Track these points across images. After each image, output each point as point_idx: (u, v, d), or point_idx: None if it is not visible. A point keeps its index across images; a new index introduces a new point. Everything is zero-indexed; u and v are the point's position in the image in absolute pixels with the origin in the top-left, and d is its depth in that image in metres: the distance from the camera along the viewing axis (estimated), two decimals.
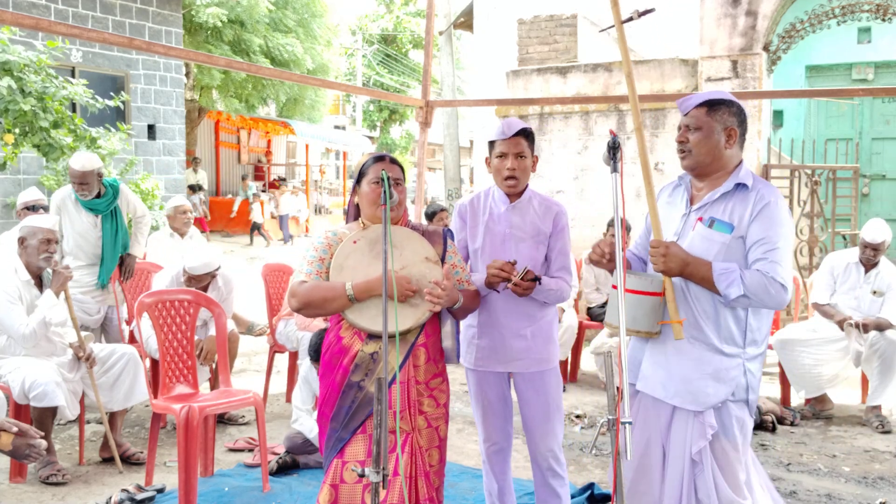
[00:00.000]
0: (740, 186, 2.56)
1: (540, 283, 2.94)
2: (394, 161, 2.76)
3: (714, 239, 2.53)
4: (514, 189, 3.05)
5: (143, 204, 5.43)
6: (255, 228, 17.30)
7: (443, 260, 2.78)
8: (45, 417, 3.98)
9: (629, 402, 2.76)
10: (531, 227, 3.06)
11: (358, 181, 2.75)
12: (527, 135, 3.03)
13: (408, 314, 2.60)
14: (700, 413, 2.54)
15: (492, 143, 3.08)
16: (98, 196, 5.06)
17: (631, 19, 2.81)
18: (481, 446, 3.23)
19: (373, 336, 2.62)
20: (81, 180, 4.94)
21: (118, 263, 5.26)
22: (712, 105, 2.57)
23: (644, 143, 2.72)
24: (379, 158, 2.75)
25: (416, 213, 5.97)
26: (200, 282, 4.79)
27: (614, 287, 2.58)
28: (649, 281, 2.56)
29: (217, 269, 4.84)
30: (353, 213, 2.83)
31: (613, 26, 2.80)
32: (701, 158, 2.58)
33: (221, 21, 14.19)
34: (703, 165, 2.59)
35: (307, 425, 4.20)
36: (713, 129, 2.55)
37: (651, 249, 2.53)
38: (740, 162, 2.62)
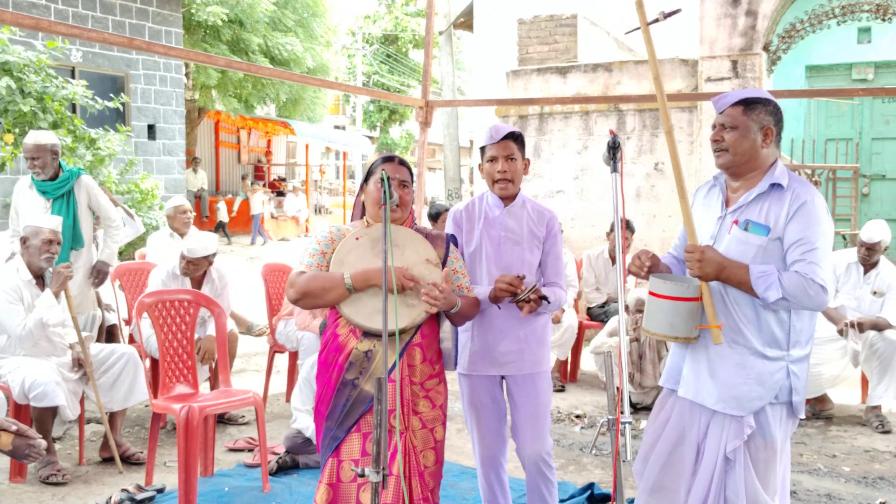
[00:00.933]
0: (775, 186, 2.51)
1: (548, 303, 2.94)
2: (402, 163, 2.78)
3: (750, 242, 2.49)
4: (507, 192, 3.07)
5: (115, 210, 5.13)
6: (220, 227, 16.69)
7: (444, 263, 2.78)
8: (46, 417, 3.98)
9: (662, 400, 2.75)
10: (526, 230, 3.08)
11: (366, 180, 2.77)
12: (515, 138, 3.05)
13: (403, 313, 2.59)
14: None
15: (482, 149, 3.10)
16: (54, 179, 4.84)
17: (657, 21, 2.75)
18: (475, 452, 3.22)
19: (368, 334, 2.62)
20: (33, 154, 4.72)
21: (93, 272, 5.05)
22: (748, 104, 2.53)
23: (675, 146, 2.66)
24: (388, 159, 2.77)
25: (416, 213, 5.97)
26: (198, 267, 4.84)
27: (651, 294, 2.56)
28: (686, 286, 2.53)
29: (213, 255, 4.91)
30: (359, 211, 2.85)
31: (639, 28, 2.74)
32: (737, 158, 2.54)
33: (221, 20, 14.16)
34: (738, 165, 2.55)
35: (303, 424, 4.20)
36: (749, 128, 2.51)
37: (686, 254, 2.51)
38: (775, 160, 2.57)
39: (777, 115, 2.56)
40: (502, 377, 3.15)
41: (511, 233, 3.07)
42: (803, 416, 2.60)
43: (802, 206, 2.44)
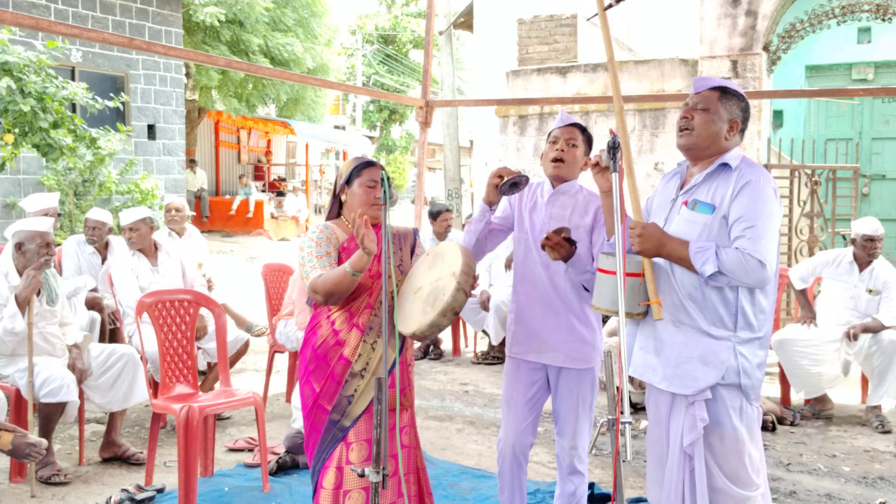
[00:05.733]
0: (724, 167, 2.55)
1: (575, 246, 2.87)
2: (381, 167, 2.95)
3: (696, 220, 2.51)
4: (558, 171, 3.04)
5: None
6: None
7: (412, 252, 3.00)
8: (54, 415, 3.97)
9: (647, 396, 2.75)
10: (569, 220, 3.02)
11: (348, 182, 2.91)
12: (583, 130, 3.07)
13: (418, 318, 2.65)
14: (691, 405, 2.51)
15: (549, 134, 3.13)
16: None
17: (611, 6, 2.89)
18: (499, 444, 3.19)
19: (371, 327, 2.80)
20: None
21: None
22: (725, 92, 2.57)
23: (624, 123, 2.73)
24: (371, 164, 2.91)
25: (416, 213, 5.96)
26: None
27: (599, 270, 2.60)
28: (626, 261, 2.54)
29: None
30: (335, 211, 3.00)
31: (597, 14, 2.88)
32: (700, 140, 2.56)
33: (219, 20, 14.12)
34: (699, 147, 2.58)
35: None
36: (719, 114, 2.55)
37: (629, 230, 2.53)
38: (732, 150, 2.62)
39: (746, 113, 2.61)
40: (547, 368, 3.12)
41: (556, 221, 3.01)
42: (758, 403, 2.56)
43: (747, 185, 2.47)
